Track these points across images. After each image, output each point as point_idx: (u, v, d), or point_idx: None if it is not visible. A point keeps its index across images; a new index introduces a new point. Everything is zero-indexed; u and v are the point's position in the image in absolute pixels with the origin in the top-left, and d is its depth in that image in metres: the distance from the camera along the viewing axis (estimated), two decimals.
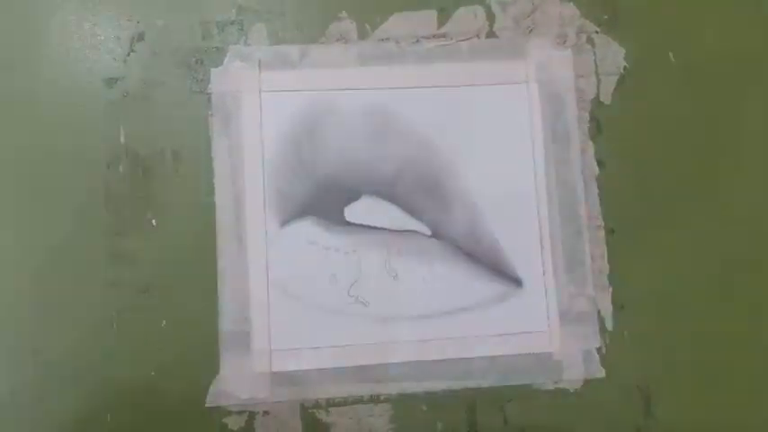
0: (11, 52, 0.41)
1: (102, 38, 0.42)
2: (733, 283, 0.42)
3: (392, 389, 0.40)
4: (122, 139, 0.41)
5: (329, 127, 0.41)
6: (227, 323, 0.40)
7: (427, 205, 0.41)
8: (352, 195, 0.41)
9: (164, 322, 0.40)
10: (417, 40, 0.42)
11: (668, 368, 0.41)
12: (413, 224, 0.41)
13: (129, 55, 0.42)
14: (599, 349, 0.41)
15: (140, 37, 0.42)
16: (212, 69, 0.41)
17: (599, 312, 0.41)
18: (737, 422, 0.41)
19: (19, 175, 0.40)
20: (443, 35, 0.43)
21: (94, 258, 0.40)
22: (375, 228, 0.41)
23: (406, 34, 0.42)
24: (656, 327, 0.41)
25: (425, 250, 0.41)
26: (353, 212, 0.41)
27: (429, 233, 0.41)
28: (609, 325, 0.41)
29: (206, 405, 0.39)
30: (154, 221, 0.40)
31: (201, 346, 0.39)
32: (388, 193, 0.41)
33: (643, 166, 0.42)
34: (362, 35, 0.42)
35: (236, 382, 0.39)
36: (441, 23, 0.43)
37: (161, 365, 0.39)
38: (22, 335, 0.39)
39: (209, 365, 0.39)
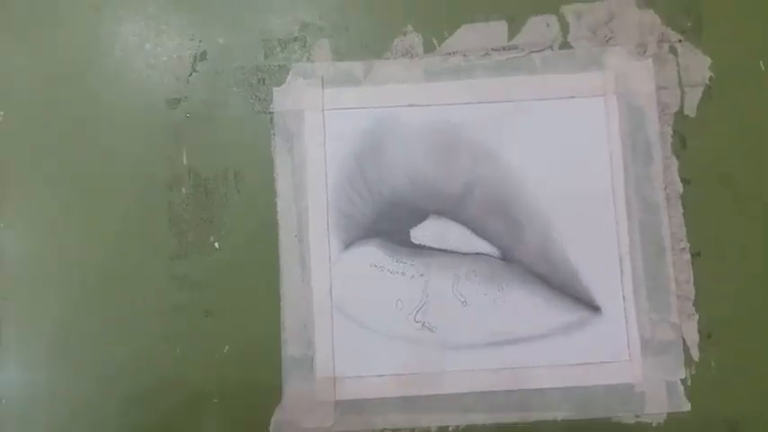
0: (73, 73, 0.41)
1: (164, 58, 0.41)
2: None
3: (460, 420, 0.38)
4: (185, 161, 0.40)
5: (394, 145, 0.40)
6: (290, 349, 0.38)
7: (497, 226, 0.39)
8: (419, 216, 0.39)
9: (226, 347, 0.39)
10: (487, 53, 0.40)
11: (758, 401, 0.38)
12: (482, 246, 0.39)
13: (191, 75, 0.41)
14: (684, 380, 0.38)
15: (202, 56, 0.41)
16: (274, 88, 0.40)
17: (684, 341, 0.38)
18: None
19: (82, 197, 0.40)
20: (514, 47, 0.40)
21: (157, 281, 0.39)
22: (442, 250, 0.39)
23: (474, 47, 0.41)
24: (745, 357, 0.38)
25: (495, 274, 0.39)
26: (420, 234, 0.39)
27: (499, 255, 0.39)
28: (694, 355, 0.38)
29: None
30: (216, 244, 0.40)
31: (265, 372, 0.38)
32: (456, 213, 0.39)
33: (731, 183, 0.39)
34: (429, 49, 0.41)
35: (300, 410, 0.38)
36: (511, 35, 0.41)
37: (224, 392, 0.38)
38: (84, 358, 0.39)
39: (272, 392, 0.38)
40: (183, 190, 0.40)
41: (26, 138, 0.40)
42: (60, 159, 0.40)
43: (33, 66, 0.41)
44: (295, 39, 0.41)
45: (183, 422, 0.38)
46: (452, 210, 0.39)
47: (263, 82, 0.41)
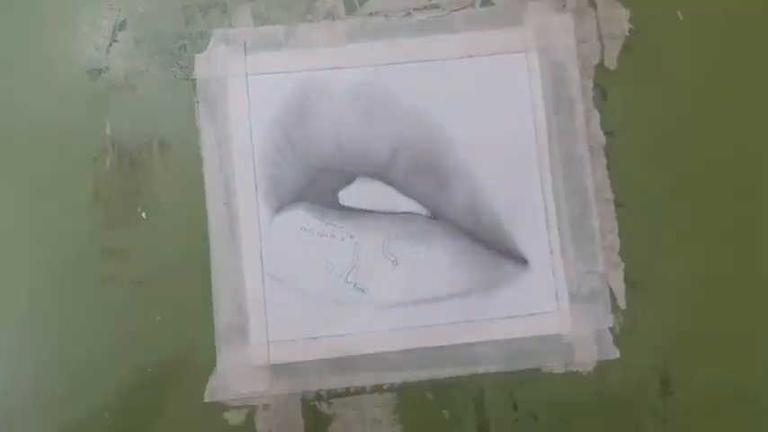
0: None
1: (84, 28, 0.41)
2: (752, 256, 0.39)
3: (395, 378, 0.38)
4: (108, 132, 0.40)
5: (319, 108, 0.40)
6: (222, 316, 0.38)
7: (425, 185, 0.39)
8: (347, 178, 0.39)
9: (158, 317, 0.39)
10: (408, 13, 0.40)
11: (686, 346, 0.39)
12: (410, 205, 0.39)
13: (111, 45, 0.40)
14: (612, 329, 0.39)
15: (122, 26, 0.41)
16: (196, 55, 0.40)
17: (611, 290, 0.39)
18: (760, 399, 0.39)
19: (4, 171, 0.39)
20: (436, 6, 0.41)
21: (85, 254, 0.39)
22: (371, 211, 0.39)
23: (395, 7, 0.41)
24: (672, 304, 0.39)
25: (425, 232, 0.39)
26: (348, 196, 0.39)
27: (428, 214, 0.39)
28: (622, 303, 0.39)
29: (204, 400, 0.38)
30: (144, 214, 0.39)
31: (198, 340, 0.38)
32: (384, 174, 0.39)
33: (653, 134, 0.40)
34: (350, 10, 0.41)
35: (235, 376, 0.38)
36: None
37: (157, 361, 0.38)
38: (15, 334, 0.38)
39: (206, 360, 0.38)
40: (108, 161, 0.40)
41: None
42: None
43: None
44: (215, 4, 0.41)
45: (118, 394, 0.38)
46: (380, 171, 0.39)
47: (185, 49, 0.40)
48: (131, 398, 0.38)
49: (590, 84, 0.40)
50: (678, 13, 0.41)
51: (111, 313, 0.39)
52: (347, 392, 0.38)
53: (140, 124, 0.40)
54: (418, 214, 0.39)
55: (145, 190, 0.39)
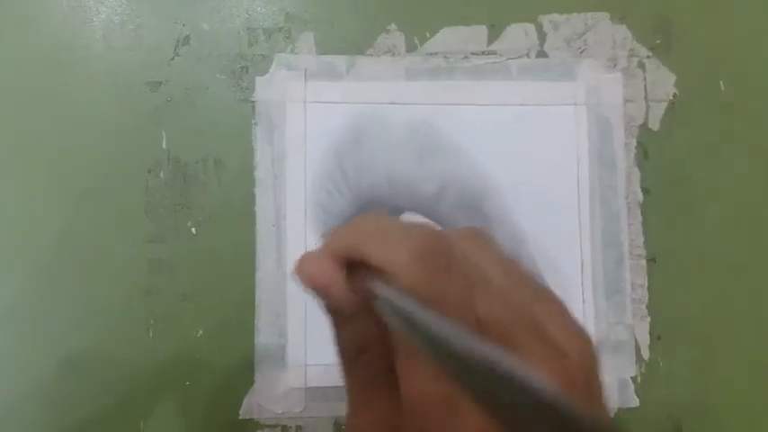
0: (53, 51, 0.40)
1: (147, 40, 0.41)
2: None
3: None
4: (164, 145, 0.40)
5: (373, 141, 0.41)
6: (263, 336, 0.39)
7: (468, 224, 0.41)
8: (394, 211, 0.40)
9: (200, 332, 0.39)
10: (466, 56, 0.42)
11: (700, 399, 0.41)
12: None
13: (173, 59, 0.41)
14: (633, 378, 0.41)
15: (185, 41, 0.41)
16: (257, 77, 0.41)
17: (635, 341, 0.41)
18: None
19: (61, 177, 0.40)
20: (493, 52, 0.42)
21: (133, 264, 0.39)
22: None
23: (455, 49, 0.42)
24: (691, 358, 0.41)
25: None
26: None
27: None
28: (644, 354, 0.41)
29: (239, 417, 0.39)
30: (194, 229, 0.40)
31: (237, 357, 0.39)
32: (430, 210, 0.41)
33: (688, 195, 0.42)
34: (411, 48, 0.42)
35: (271, 395, 0.39)
36: (491, 40, 0.42)
37: (196, 375, 0.39)
38: (57, 339, 0.39)
39: (244, 377, 0.39)
40: (162, 174, 0.40)
41: (3, 116, 0.40)
42: (39, 139, 0.40)
43: (15, 43, 0.40)
44: (280, 29, 0.41)
45: (156, 404, 0.39)
46: (426, 207, 0.40)
47: (246, 70, 0.41)
48: (168, 410, 0.39)
49: (633, 142, 0.42)
50: (721, 82, 0.43)
51: (152, 325, 0.39)
52: None
53: (197, 140, 0.40)
54: None
55: (196, 205, 0.40)
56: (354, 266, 0.19)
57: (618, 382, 0.41)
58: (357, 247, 0.19)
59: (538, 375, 0.12)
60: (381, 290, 0.17)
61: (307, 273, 0.19)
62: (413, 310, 0.16)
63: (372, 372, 0.20)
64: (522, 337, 0.17)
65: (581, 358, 0.18)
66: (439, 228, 0.39)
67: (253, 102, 0.41)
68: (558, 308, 0.19)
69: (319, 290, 0.19)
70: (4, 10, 0.40)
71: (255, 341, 0.39)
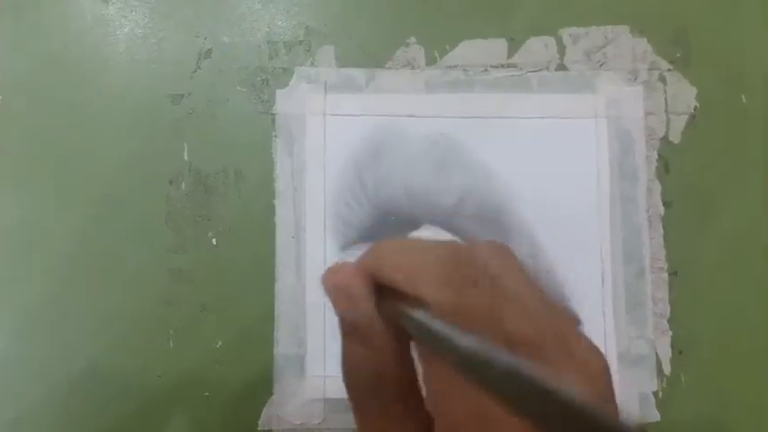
0: (76, 63, 0.41)
1: (169, 53, 0.42)
2: None
3: None
4: (186, 156, 0.41)
5: (393, 153, 0.41)
6: (282, 347, 0.39)
7: (487, 236, 0.41)
8: (413, 224, 0.41)
9: (219, 342, 0.40)
10: (486, 69, 0.42)
11: (722, 414, 0.40)
12: None
13: (195, 72, 0.41)
14: (655, 393, 0.40)
15: (207, 54, 0.42)
16: (278, 90, 0.41)
17: (657, 356, 0.40)
18: None
19: (82, 187, 0.40)
20: (513, 65, 0.42)
21: (153, 274, 0.40)
22: None
23: (474, 63, 0.42)
24: (713, 372, 0.41)
25: None
26: None
27: None
28: (666, 369, 0.40)
29: (258, 428, 0.39)
30: (214, 240, 0.40)
31: (256, 368, 0.39)
32: (449, 222, 0.41)
33: (710, 208, 0.42)
34: (430, 62, 0.42)
35: (290, 406, 0.39)
36: (511, 53, 0.42)
37: (215, 385, 0.39)
38: (76, 348, 0.39)
39: (263, 388, 0.39)
40: (183, 185, 0.40)
41: (26, 125, 0.41)
42: (61, 149, 0.40)
43: (38, 54, 0.41)
44: (300, 42, 0.42)
45: (175, 415, 0.39)
46: (445, 219, 0.41)
47: (267, 83, 0.41)
48: (187, 421, 0.39)
49: (654, 155, 0.42)
50: (743, 96, 0.42)
51: (172, 335, 0.39)
52: None
53: (217, 152, 0.41)
54: None
55: (217, 217, 0.40)
56: (380, 290, 0.19)
57: (639, 397, 0.40)
58: (382, 268, 0.19)
59: (574, 388, 0.12)
60: (410, 312, 0.17)
61: (336, 282, 0.19)
62: (443, 330, 0.16)
63: (386, 400, 0.20)
64: (550, 353, 0.17)
65: (602, 375, 0.18)
66: (459, 241, 0.39)
67: (273, 114, 0.41)
68: (575, 325, 0.19)
69: (346, 300, 0.19)
70: (28, 23, 0.41)
71: (274, 352, 0.39)
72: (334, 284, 0.19)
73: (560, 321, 0.19)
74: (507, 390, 0.14)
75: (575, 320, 0.19)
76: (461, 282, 0.18)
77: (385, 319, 0.19)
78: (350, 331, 0.20)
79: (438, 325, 0.16)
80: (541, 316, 0.18)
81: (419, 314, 0.17)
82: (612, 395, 0.18)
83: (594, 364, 0.18)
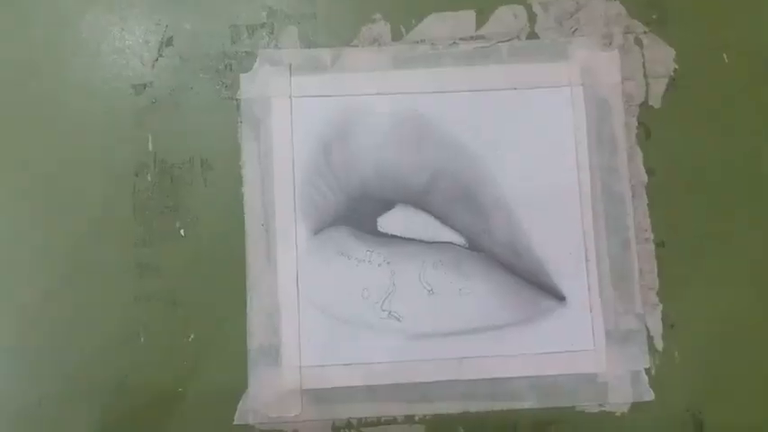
0: (37, 55, 0.40)
1: (130, 43, 0.41)
2: None
3: (427, 409, 0.38)
4: (150, 147, 0.40)
5: (362, 133, 0.40)
6: (256, 338, 0.38)
7: (463, 215, 0.39)
8: (386, 204, 0.39)
9: (192, 336, 0.38)
10: (454, 42, 0.40)
11: (722, 391, 0.38)
12: (448, 235, 0.39)
13: (157, 60, 0.41)
14: (647, 370, 0.38)
15: (169, 42, 0.41)
16: (241, 74, 0.40)
17: (648, 331, 0.39)
18: None
19: (45, 182, 0.39)
20: (482, 37, 0.41)
21: (121, 269, 0.39)
22: (409, 239, 0.39)
23: (442, 36, 0.41)
24: (709, 347, 0.39)
25: (461, 263, 0.39)
26: (386, 223, 0.39)
27: (466, 244, 0.39)
28: (658, 345, 0.39)
29: (234, 423, 0.38)
30: (182, 231, 0.39)
31: (231, 361, 0.38)
32: (423, 202, 0.39)
33: (696, 174, 0.40)
34: (397, 37, 0.41)
35: (266, 399, 0.38)
36: (479, 24, 0.41)
37: (188, 380, 0.38)
38: (45, 346, 0.38)
39: (238, 381, 0.38)
40: (149, 177, 0.39)
41: None
42: (22, 144, 0.40)
43: None
44: (263, 25, 0.41)
45: (148, 411, 0.38)
46: (419, 199, 0.39)
47: (230, 68, 0.40)
48: (161, 416, 0.38)
49: (634, 122, 0.40)
50: (724, 55, 0.41)
51: (143, 330, 0.38)
52: (378, 422, 0.38)
53: (183, 141, 0.40)
54: (456, 244, 0.39)
55: (184, 207, 0.39)
56: None
57: (630, 375, 0.38)
58: None
59: None
60: None
61: None
62: None
63: None
64: None
65: None
66: (433, 221, 0.38)
67: (238, 100, 0.40)
68: None
69: None
70: None
71: (248, 343, 0.38)
72: None
73: None
74: None
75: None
76: None
77: None
78: None
79: None
80: None
81: None
82: None
83: None
